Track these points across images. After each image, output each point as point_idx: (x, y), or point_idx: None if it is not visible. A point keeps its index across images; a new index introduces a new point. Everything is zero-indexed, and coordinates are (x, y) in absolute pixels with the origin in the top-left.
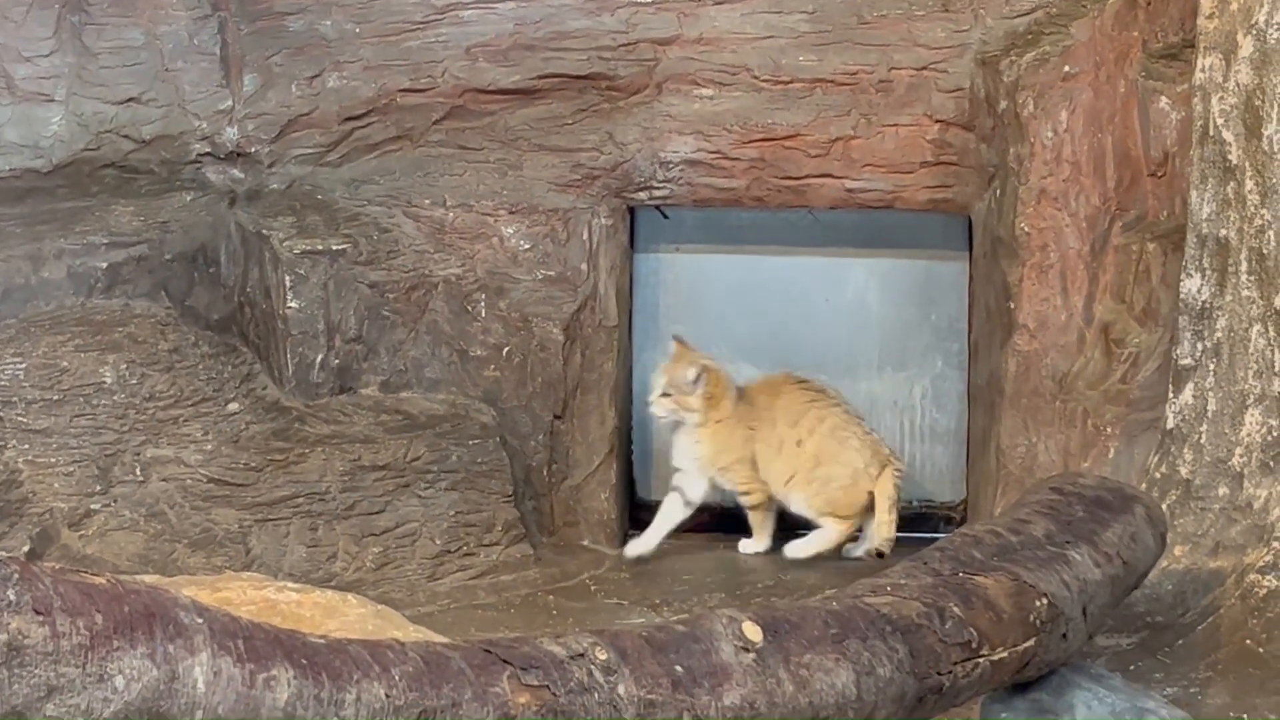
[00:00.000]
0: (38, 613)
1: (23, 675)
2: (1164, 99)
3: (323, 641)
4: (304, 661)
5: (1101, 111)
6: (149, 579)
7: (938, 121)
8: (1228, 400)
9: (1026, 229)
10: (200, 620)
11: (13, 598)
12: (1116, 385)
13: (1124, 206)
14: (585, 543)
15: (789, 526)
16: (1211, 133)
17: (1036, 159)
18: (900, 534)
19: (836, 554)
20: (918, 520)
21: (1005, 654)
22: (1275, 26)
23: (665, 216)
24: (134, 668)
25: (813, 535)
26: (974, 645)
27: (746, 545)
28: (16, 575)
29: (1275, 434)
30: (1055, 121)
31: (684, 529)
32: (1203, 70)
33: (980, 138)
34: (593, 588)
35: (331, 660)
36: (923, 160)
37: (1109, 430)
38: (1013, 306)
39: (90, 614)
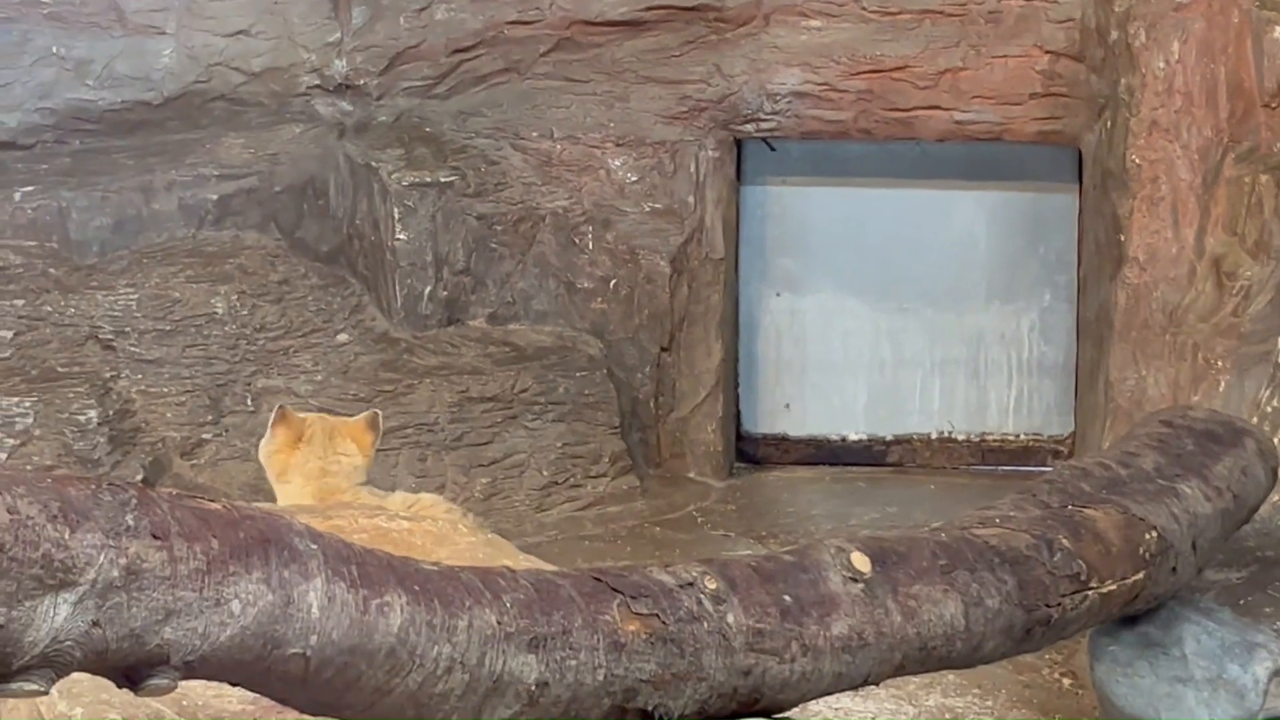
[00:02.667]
0: (155, 537)
1: (141, 599)
2: (1278, 29)
3: (435, 569)
4: (416, 588)
5: (1214, 42)
6: (263, 506)
7: (1047, 52)
8: None
9: (1137, 161)
10: (314, 546)
11: (131, 522)
12: (1228, 318)
13: (1236, 138)
14: (691, 475)
15: None
16: None
17: (1148, 90)
18: (1008, 466)
19: None
20: (1025, 453)
21: (1114, 587)
22: None
23: (772, 149)
24: (250, 592)
25: None
26: (1082, 578)
27: None
28: (135, 500)
29: None
30: (1167, 52)
31: (789, 461)
32: None
33: (1090, 69)
34: (699, 519)
35: (444, 587)
36: (1032, 91)
37: (1219, 363)
38: (1123, 239)
39: (207, 539)
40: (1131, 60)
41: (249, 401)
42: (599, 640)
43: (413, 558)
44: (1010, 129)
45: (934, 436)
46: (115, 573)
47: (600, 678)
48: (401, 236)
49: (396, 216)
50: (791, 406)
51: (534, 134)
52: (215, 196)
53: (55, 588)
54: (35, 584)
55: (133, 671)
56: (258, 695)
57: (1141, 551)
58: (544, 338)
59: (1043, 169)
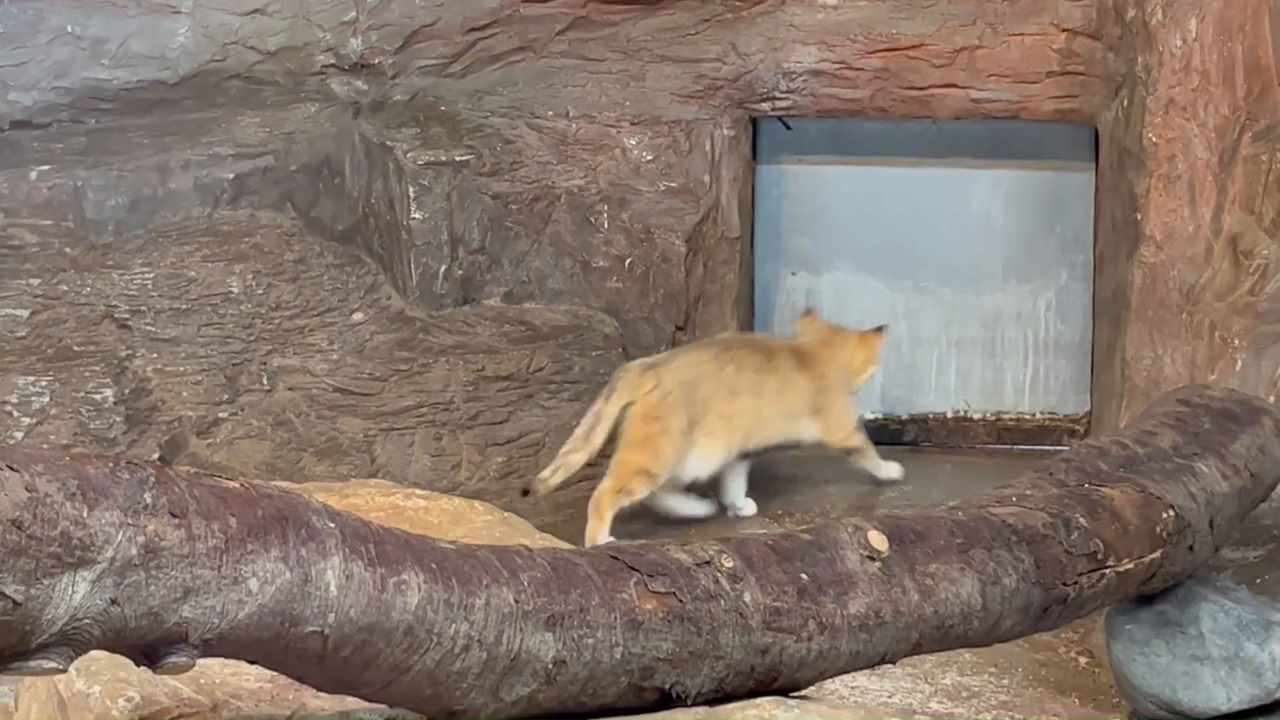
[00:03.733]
0: (174, 515)
1: (159, 577)
2: None
3: (452, 547)
4: (434, 566)
5: (1231, 20)
6: (280, 484)
7: (1064, 30)
8: None
9: (1154, 139)
10: (332, 525)
11: (149, 500)
12: (1245, 297)
13: (1254, 116)
14: None
15: None
16: None
17: (1165, 68)
18: (1024, 446)
19: None
20: (1041, 432)
21: (1131, 565)
22: None
23: (788, 127)
24: (268, 570)
25: None
26: (1100, 556)
27: None
28: (153, 479)
29: None
30: (1184, 30)
31: None
32: None
33: (1108, 47)
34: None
35: (461, 565)
36: (1049, 70)
37: (1236, 342)
38: (1139, 218)
39: (225, 517)
40: (1149, 38)
41: (264, 380)
42: (616, 619)
43: (430, 536)
44: (1027, 107)
45: (950, 416)
46: (133, 551)
47: (617, 656)
48: (417, 215)
49: (412, 195)
50: None
51: (549, 113)
52: (231, 175)
53: (74, 566)
54: (54, 562)
55: (151, 649)
56: (275, 673)
57: (1159, 530)
58: (559, 317)
59: (1059, 148)
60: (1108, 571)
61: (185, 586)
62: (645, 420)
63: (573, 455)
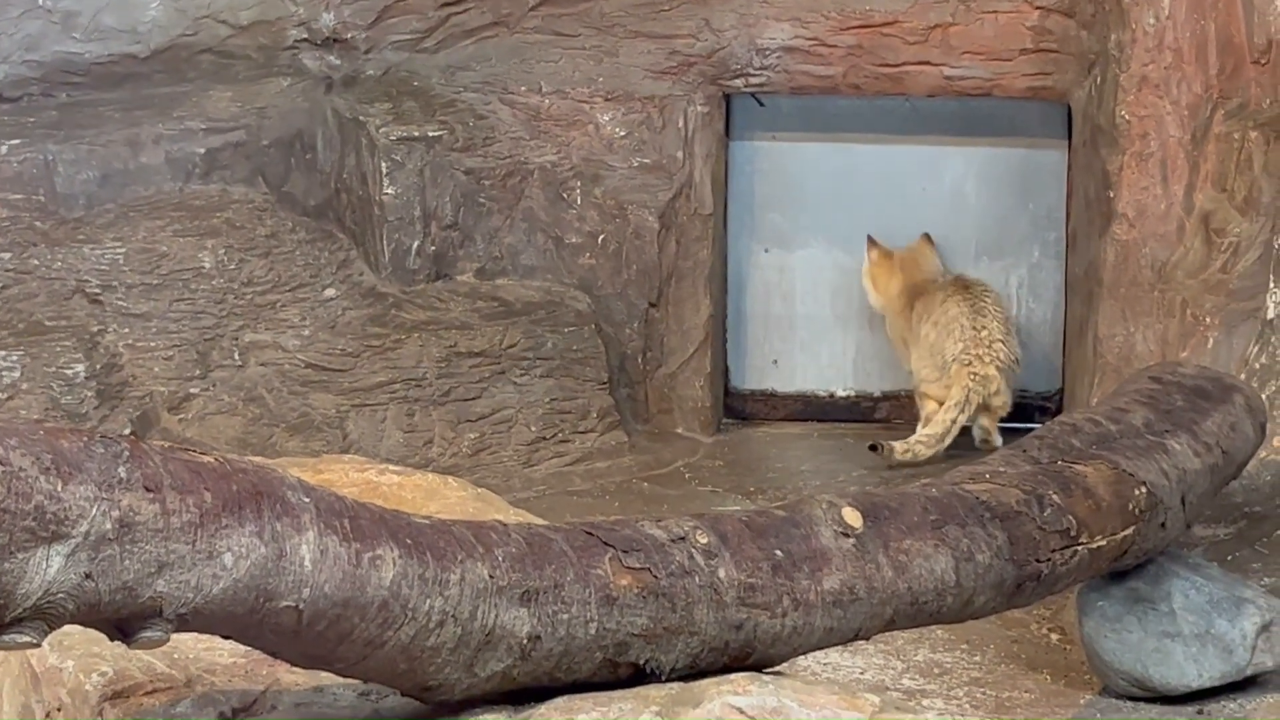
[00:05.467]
0: (148, 490)
1: (134, 551)
2: None
3: (427, 522)
4: (409, 541)
5: None
6: (255, 460)
7: (1038, 8)
8: None
9: (1127, 117)
10: (307, 499)
11: (124, 474)
12: (1216, 275)
13: (1226, 94)
14: (679, 430)
15: None
16: None
17: (1138, 45)
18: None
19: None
20: (1013, 409)
21: (1104, 542)
22: None
23: (761, 104)
24: (242, 545)
25: None
26: (1073, 533)
27: None
28: (127, 453)
29: None
30: (1158, 7)
31: (777, 418)
32: None
33: (1081, 24)
34: (686, 475)
35: (436, 540)
36: (1022, 47)
37: (1208, 320)
38: (1112, 195)
39: (199, 492)
40: (1122, 16)
41: (236, 356)
42: (591, 594)
43: (404, 511)
44: (1000, 85)
45: None
46: (108, 525)
47: (592, 631)
48: (389, 191)
49: (384, 171)
50: (779, 362)
51: (522, 88)
52: (203, 150)
53: (48, 540)
54: (28, 536)
55: (125, 624)
56: (249, 648)
57: (1131, 507)
58: (532, 293)
59: (1032, 125)
60: (1080, 548)
61: (160, 561)
62: None
63: (924, 450)
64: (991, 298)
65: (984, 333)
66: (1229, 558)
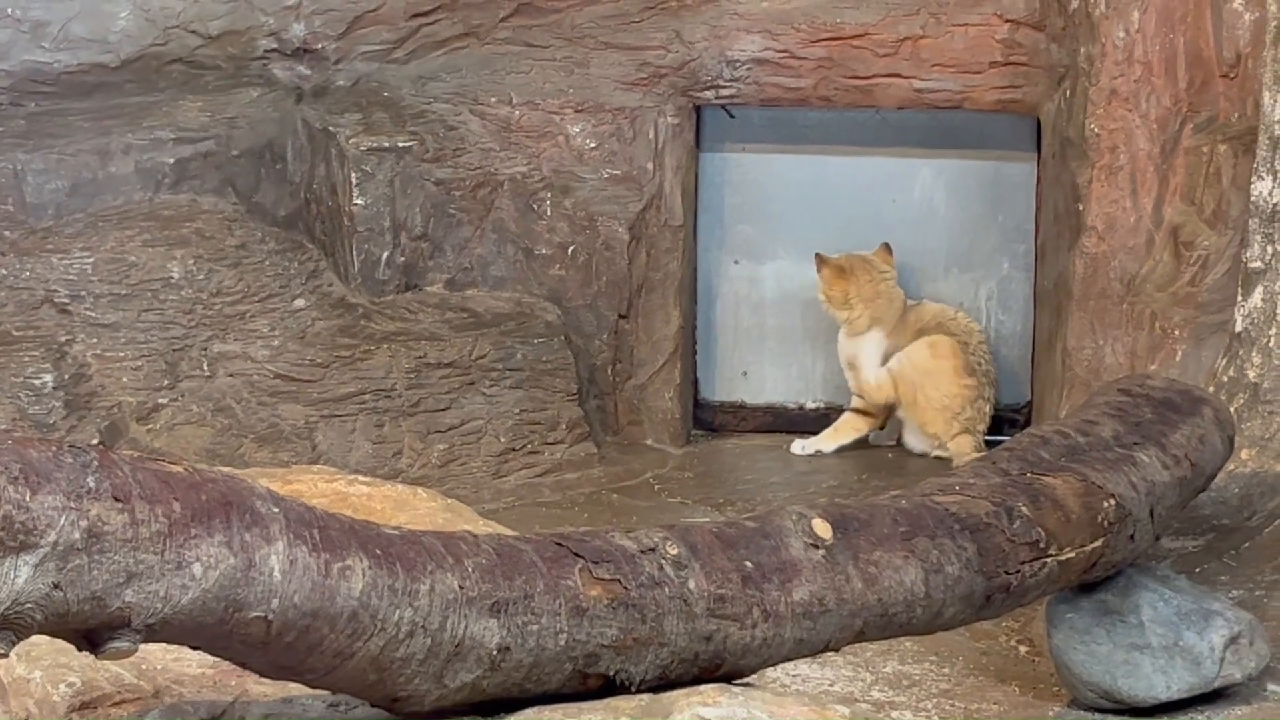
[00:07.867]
0: (117, 499)
1: (102, 561)
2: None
3: (397, 533)
4: (378, 552)
5: (1174, 11)
6: (224, 470)
7: (1007, 21)
8: None
9: (1096, 130)
10: (276, 510)
11: (92, 484)
12: (1185, 288)
13: (1195, 108)
14: (649, 442)
15: None
16: None
17: (1108, 59)
18: None
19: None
20: None
21: (1073, 554)
22: None
23: (731, 116)
24: (211, 555)
25: None
26: (1042, 545)
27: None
28: (96, 462)
29: None
30: (1127, 21)
31: (747, 429)
32: None
33: (1050, 37)
34: (656, 486)
35: (406, 551)
36: (992, 60)
37: (1177, 333)
38: (1081, 208)
39: (168, 501)
40: (1092, 29)
41: (205, 366)
42: (561, 605)
43: (374, 522)
44: (970, 97)
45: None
46: (76, 535)
47: (562, 642)
48: (359, 202)
49: (354, 181)
50: (749, 374)
51: (493, 99)
52: (172, 160)
53: (15, 550)
54: None
55: (93, 634)
56: (218, 659)
57: (1100, 519)
58: (502, 304)
59: (1002, 138)
60: (1049, 560)
61: (128, 571)
62: None
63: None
64: (974, 340)
65: (972, 390)
66: (1197, 570)
